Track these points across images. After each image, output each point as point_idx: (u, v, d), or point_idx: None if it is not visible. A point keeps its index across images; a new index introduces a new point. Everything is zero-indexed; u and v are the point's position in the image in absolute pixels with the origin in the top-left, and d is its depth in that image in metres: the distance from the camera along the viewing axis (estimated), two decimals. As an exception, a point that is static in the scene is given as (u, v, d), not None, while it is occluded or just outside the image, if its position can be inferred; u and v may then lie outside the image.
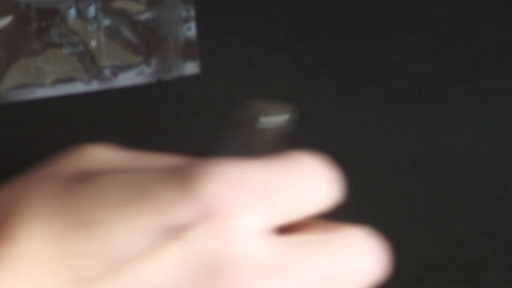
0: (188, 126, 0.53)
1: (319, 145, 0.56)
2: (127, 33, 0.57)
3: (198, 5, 0.58)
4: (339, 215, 0.52)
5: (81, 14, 0.57)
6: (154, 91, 0.55)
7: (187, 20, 0.57)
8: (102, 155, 0.29)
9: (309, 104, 0.54)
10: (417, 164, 0.52)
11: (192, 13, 0.58)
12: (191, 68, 0.55)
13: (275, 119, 0.31)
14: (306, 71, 0.55)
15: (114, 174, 0.27)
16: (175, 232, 0.24)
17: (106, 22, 0.57)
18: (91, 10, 0.57)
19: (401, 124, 0.53)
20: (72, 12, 0.57)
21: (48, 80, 0.55)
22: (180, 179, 0.26)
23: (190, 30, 0.57)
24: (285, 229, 0.31)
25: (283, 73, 0.55)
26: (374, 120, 0.53)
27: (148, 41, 0.56)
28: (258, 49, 0.56)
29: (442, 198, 0.51)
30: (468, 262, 0.49)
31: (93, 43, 0.56)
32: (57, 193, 0.26)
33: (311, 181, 0.31)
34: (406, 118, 0.53)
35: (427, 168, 0.52)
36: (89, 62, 0.56)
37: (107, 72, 0.55)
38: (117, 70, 0.55)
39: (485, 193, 0.51)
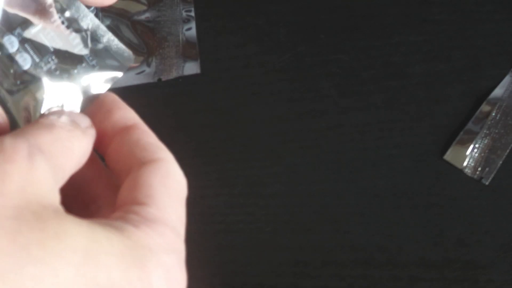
0: (188, 126, 0.53)
1: (319, 145, 0.56)
2: (127, 33, 0.57)
3: (198, 5, 0.58)
4: (339, 213, 0.52)
5: (81, 14, 0.58)
6: (154, 91, 0.55)
7: (187, 20, 0.57)
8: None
9: (309, 104, 0.54)
10: (416, 164, 0.52)
11: (192, 13, 0.58)
12: (191, 68, 0.55)
13: None
14: (306, 71, 0.55)
15: None
16: None
17: (107, 22, 0.57)
18: (91, 10, 0.57)
19: (401, 124, 0.53)
20: (73, 12, 0.57)
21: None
22: None
23: (190, 30, 0.57)
24: None
25: (283, 73, 0.55)
26: (374, 120, 0.53)
27: (148, 41, 0.56)
28: (258, 49, 0.56)
29: (442, 198, 0.51)
30: (468, 262, 0.49)
31: (94, 43, 0.56)
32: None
33: None
34: (406, 118, 0.53)
35: (427, 168, 0.52)
36: (89, 62, 0.56)
37: (107, 72, 0.55)
38: (117, 70, 0.55)
39: (485, 193, 0.51)
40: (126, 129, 0.28)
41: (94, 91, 0.29)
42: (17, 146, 0.23)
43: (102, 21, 0.57)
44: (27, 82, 0.28)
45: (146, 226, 0.25)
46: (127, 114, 0.29)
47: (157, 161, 0.27)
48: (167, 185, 0.27)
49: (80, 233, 0.22)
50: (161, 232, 0.25)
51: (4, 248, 0.21)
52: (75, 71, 0.28)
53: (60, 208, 0.23)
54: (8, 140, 0.23)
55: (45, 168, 0.24)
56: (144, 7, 0.58)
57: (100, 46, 0.28)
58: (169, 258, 0.25)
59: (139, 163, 0.27)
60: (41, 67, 0.28)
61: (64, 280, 0.22)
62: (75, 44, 0.28)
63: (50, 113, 0.26)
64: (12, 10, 0.27)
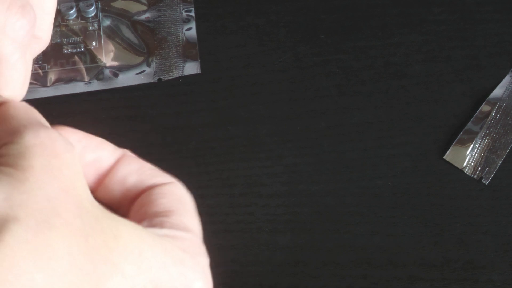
0: (188, 126, 0.53)
1: (319, 145, 0.56)
2: (127, 33, 0.57)
3: (198, 5, 0.58)
4: (339, 213, 0.52)
5: (81, 14, 0.58)
6: (154, 91, 0.55)
7: (187, 20, 0.57)
8: None
9: (309, 104, 0.54)
10: (416, 164, 0.52)
11: (192, 13, 0.58)
12: (191, 68, 0.55)
13: None
14: (306, 71, 0.55)
15: None
16: None
17: (107, 22, 0.57)
18: (92, 10, 0.57)
19: (401, 124, 0.53)
20: (73, 12, 0.57)
21: (49, 80, 0.55)
22: None
23: (190, 30, 0.57)
24: None
25: (283, 73, 0.55)
26: (374, 120, 0.53)
27: (148, 41, 0.56)
28: (258, 49, 0.56)
29: (442, 198, 0.51)
30: (468, 262, 0.49)
31: (94, 43, 0.56)
32: None
33: None
34: (406, 118, 0.53)
35: (427, 168, 0.52)
36: (90, 62, 0.56)
37: (107, 72, 0.55)
38: (117, 70, 0.55)
39: (485, 193, 0.51)
40: (118, 162, 0.29)
41: None
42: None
43: (102, 21, 0.57)
44: None
45: (178, 231, 0.26)
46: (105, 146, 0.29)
47: (169, 183, 0.29)
48: (183, 202, 0.28)
49: (130, 233, 0.23)
50: (190, 238, 0.27)
51: (82, 248, 0.22)
52: None
53: (97, 203, 0.24)
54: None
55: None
56: (144, 7, 0.58)
57: None
58: (204, 259, 0.27)
59: (150, 187, 0.28)
60: None
61: (130, 279, 0.23)
62: None
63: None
64: None
